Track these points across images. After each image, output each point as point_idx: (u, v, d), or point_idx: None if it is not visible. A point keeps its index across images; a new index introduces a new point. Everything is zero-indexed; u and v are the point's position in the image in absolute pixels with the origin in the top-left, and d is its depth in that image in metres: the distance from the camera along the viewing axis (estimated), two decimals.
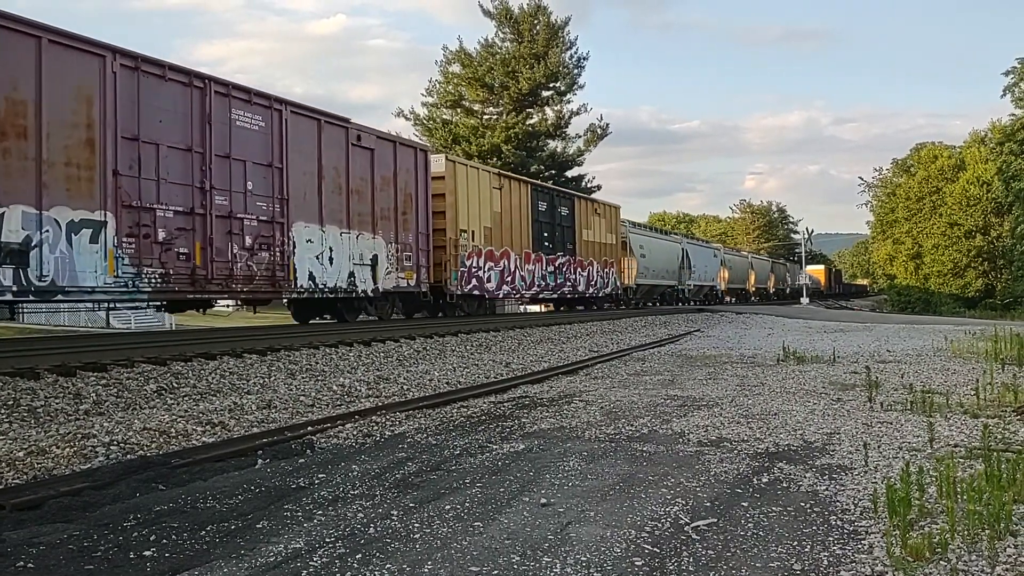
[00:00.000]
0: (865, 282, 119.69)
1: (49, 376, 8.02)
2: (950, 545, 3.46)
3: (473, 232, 19.38)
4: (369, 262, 15.37)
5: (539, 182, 25.21)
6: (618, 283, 29.52)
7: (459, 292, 18.41)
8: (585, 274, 26.35)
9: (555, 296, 24.84)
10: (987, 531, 3.58)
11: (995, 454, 4.66)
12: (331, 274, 14.37)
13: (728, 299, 49.95)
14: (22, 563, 3.43)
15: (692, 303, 42.09)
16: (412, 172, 16.91)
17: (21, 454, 5.36)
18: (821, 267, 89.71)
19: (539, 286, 23.09)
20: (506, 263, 21.05)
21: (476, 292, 19.41)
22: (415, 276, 16.94)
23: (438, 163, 18.27)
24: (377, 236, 15.73)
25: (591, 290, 26.94)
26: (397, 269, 16.30)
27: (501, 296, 21.51)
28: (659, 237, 37.35)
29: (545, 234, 23.68)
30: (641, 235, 33.88)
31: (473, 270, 19.26)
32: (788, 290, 73.60)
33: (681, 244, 40.05)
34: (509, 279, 21.21)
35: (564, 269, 24.74)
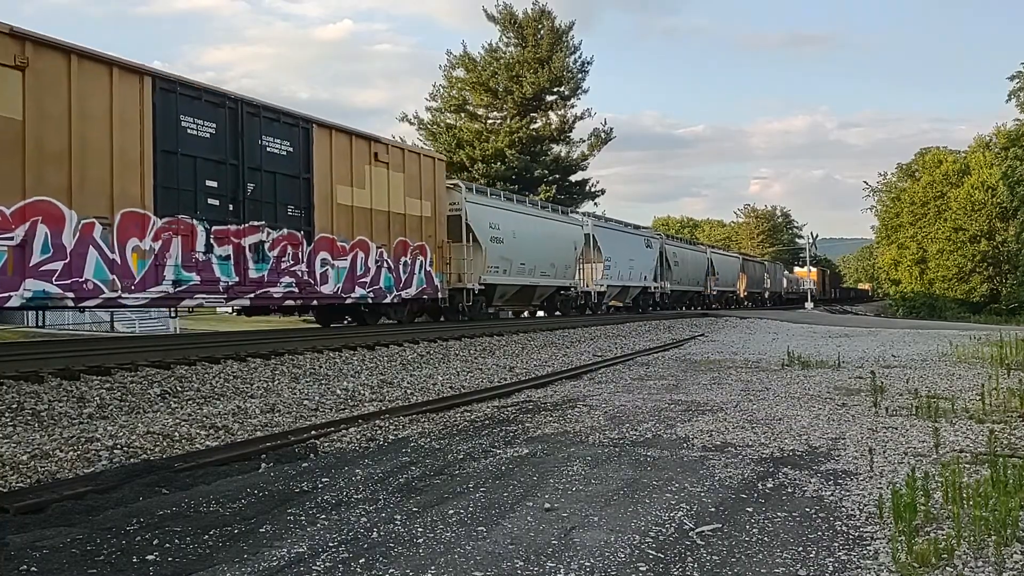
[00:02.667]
0: (867, 286, 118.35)
1: (53, 380, 8.03)
2: (956, 551, 3.44)
3: None
4: None
5: (183, 76, 12.21)
6: (440, 282, 18.26)
7: None
8: (346, 263, 15.07)
9: (245, 301, 13.03)
10: (994, 537, 3.55)
11: (1001, 459, 4.64)
12: None
13: (674, 307, 38.35)
14: (25, 566, 3.43)
15: (609, 310, 31.75)
16: None
17: (25, 457, 5.36)
18: (813, 269, 78.79)
19: (181, 282, 11.67)
20: (44, 236, 10.03)
21: None
22: None
23: None
24: None
25: (362, 291, 15.55)
26: None
27: (18, 303, 9.85)
28: (534, 214, 24.44)
29: (211, 183, 12.27)
30: (496, 208, 21.73)
31: None
32: (767, 294, 60.57)
33: (584, 227, 27.73)
34: (58, 265, 10.13)
35: (279, 252, 13.52)
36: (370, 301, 16.19)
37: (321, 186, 14.64)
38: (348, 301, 15.57)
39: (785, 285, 69.11)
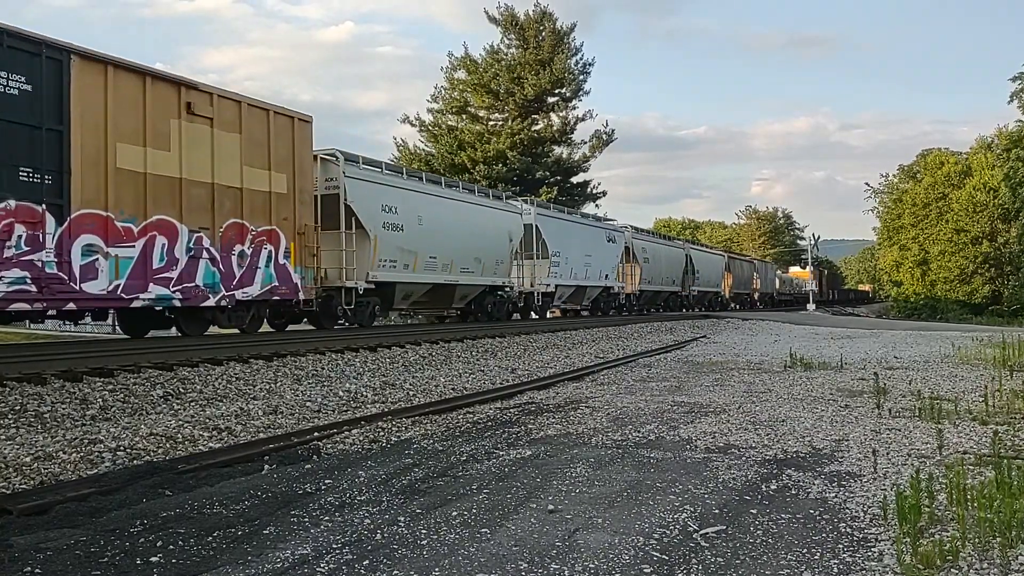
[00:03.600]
0: (867, 287, 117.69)
1: (56, 381, 8.04)
2: (961, 553, 3.44)
3: None
4: None
5: None
6: (302, 279, 14.00)
7: None
8: (133, 252, 11.00)
9: None
10: (999, 539, 3.55)
11: (1006, 461, 4.63)
12: None
13: (644, 308, 34.71)
14: (29, 568, 3.43)
15: (567, 314, 28.58)
16: None
17: (28, 459, 5.36)
18: (808, 269, 73.76)
19: None
20: None
21: None
22: None
23: None
24: None
25: (162, 290, 11.40)
26: None
27: None
28: (451, 196, 19.95)
29: None
30: (392, 187, 17.27)
31: None
32: (757, 295, 55.89)
33: (523, 215, 23.17)
34: None
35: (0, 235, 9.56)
36: (178, 304, 11.68)
37: (88, 143, 10.42)
38: (136, 304, 11.08)
39: (778, 286, 64.80)
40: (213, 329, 13.54)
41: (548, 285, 23.97)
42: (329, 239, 15.29)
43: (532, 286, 23.48)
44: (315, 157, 15.11)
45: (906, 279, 61.74)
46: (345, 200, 15.51)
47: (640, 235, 34.30)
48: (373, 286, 16.22)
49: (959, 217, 55.58)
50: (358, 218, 15.77)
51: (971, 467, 5.00)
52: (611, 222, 31.66)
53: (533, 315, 24.10)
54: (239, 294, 12.72)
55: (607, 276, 29.12)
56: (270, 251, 13.39)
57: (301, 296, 14.09)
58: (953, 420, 6.83)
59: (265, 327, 14.61)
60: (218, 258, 12.32)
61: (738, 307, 48.64)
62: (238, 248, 12.72)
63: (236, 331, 13.56)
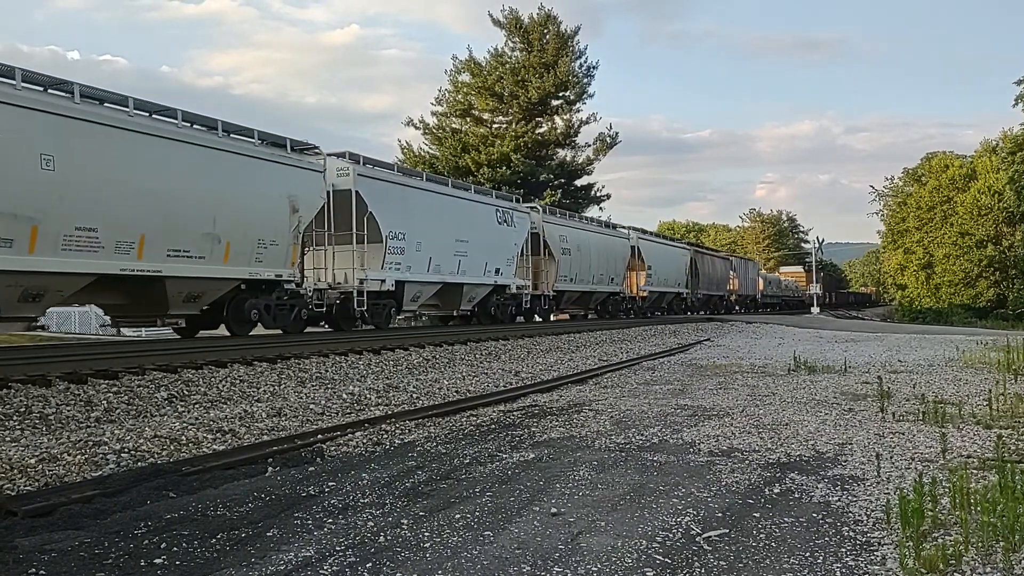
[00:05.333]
0: (870, 290, 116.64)
1: (61, 383, 8.06)
2: (964, 557, 3.43)
3: None
4: None
5: None
6: None
7: None
8: None
9: None
10: (1002, 543, 3.54)
11: (1009, 465, 4.62)
12: None
13: (570, 311, 28.57)
14: (34, 570, 3.44)
15: (459, 322, 21.17)
16: None
17: (33, 461, 5.38)
18: (800, 269, 64.30)
19: None
20: None
21: None
22: None
23: None
24: None
25: None
26: None
27: None
28: (131, 126, 10.86)
29: None
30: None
31: None
32: (734, 298, 47.14)
33: (325, 172, 14.99)
34: None
35: None
36: None
37: None
38: None
39: (762, 287, 56.36)
40: (216, 331, 13.54)
41: (383, 282, 16.33)
42: None
43: (361, 283, 15.78)
44: None
45: (910, 282, 61.60)
46: None
47: (556, 219, 25.78)
48: None
49: (964, 220, 55.41)
50: None
51: (974, 471, 5.00)
52: (506, 197, 23.53)
53: (361, 323, 16.89)
54: None
55: (499, 271, 21.10)
56: None
57: None
58: (957, 424, 6.81)
59: (260, 330, 14.56)
60: None
61: (706, 312, 40.34)
62: None
63: (238, 333, 13.56)
